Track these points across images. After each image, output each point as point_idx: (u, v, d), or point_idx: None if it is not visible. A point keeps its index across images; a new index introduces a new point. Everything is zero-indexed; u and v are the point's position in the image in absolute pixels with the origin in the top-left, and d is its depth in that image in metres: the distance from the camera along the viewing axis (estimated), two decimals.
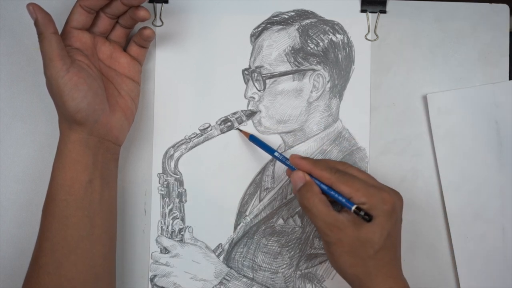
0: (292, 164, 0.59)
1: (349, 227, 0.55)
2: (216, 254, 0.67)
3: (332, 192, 0.56)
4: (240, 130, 0.67)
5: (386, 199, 0.55)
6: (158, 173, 0.68)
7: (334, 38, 0.68)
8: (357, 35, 0.68)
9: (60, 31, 0.59)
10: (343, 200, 0.55)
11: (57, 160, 0.59)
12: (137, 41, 0.64)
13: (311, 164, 0.58)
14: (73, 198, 0.58)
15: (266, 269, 0.68)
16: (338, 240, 0.55)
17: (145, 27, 0.63)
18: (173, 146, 0.68)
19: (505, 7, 0.68)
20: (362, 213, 0.54)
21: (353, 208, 0.54)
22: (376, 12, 0.68)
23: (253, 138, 0.65)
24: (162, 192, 0.68)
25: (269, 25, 0.68)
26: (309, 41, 0.68)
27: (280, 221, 0.68)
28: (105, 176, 0.61)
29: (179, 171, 0.68)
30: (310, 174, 0.58)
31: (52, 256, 0.57)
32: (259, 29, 0.68)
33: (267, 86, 0.68)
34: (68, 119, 0.58)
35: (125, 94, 0.63)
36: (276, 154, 0.62)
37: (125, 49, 0.65)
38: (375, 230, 0.54)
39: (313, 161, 0.59)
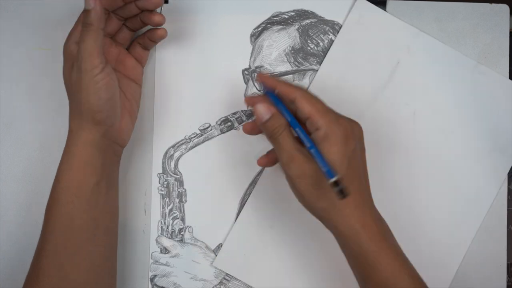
0: (259, 80, 0.58)
1: (312, 158, 0.53)
2: (216, 254, 0.67)
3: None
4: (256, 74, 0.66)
5: (343, 124, 0.54)
6: (158, 173, 0.68)
7: (334, 38, 0.68)
8: None
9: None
10: (319, 158, 0.53)
11: (65, 161, 0.58)
12: (142, 42, 0.64)
13: (276, 80, 0.57)
14: (80, 200, 0.57)
15: None
16: (302, 173, 0.54)
17: (157, 28, 0.62)
18: (173, 146, 0.68)
19: (505, 7, 0.68)
20: (338, 188, 0.51)
21: (331, 181, 0.51)
22: None
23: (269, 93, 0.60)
24: (162, 192, 0.68)
25: (269, 25, 0.68)
26: (309, 41, 0.68)
27: None
28: (110, 178, 0.60)
29: (179, 171, 0.68)
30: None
31: (54, 258, 0.56)
32: (259, 29, 0.68)
33: None
34: (84, 117, 0.57)
35: (130, 97, 0.63)
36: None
37: None
38: (335, 158, 0.53)
39: (276, 78, 0.57)
